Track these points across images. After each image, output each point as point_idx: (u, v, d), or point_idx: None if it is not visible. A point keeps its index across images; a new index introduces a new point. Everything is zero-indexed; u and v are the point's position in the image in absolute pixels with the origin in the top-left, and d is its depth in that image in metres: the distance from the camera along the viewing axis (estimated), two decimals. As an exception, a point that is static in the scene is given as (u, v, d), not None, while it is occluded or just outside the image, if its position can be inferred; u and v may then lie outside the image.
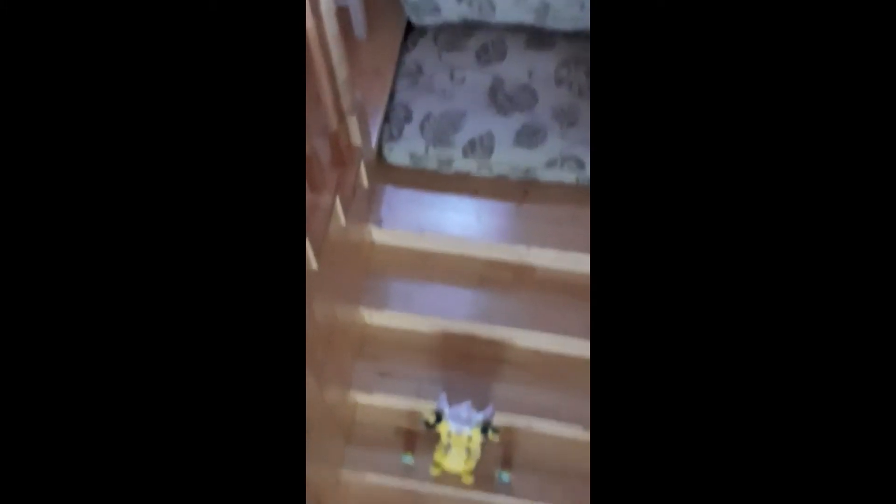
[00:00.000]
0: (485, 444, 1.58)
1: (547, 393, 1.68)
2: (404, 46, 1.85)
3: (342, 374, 1.66)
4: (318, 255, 1.32)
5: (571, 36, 1.80)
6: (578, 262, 1.63)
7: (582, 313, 1.56)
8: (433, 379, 1.71)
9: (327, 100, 1.35)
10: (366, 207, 1.71)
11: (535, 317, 1.67)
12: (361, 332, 1.77)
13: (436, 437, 1.61)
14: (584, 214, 1.63)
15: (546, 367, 1.71)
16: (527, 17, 1.79)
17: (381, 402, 1.76)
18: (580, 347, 1.65)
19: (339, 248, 1.48)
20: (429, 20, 1.83)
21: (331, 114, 1.39)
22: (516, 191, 1.72)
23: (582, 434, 1.66)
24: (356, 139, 1.54)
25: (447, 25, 1.84)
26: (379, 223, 1.71)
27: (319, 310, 1.42)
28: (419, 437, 1.72)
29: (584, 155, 1.64)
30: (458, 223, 1.71)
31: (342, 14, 1.57)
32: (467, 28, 1.84)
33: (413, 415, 1.73)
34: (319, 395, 1.45)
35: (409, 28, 1.89)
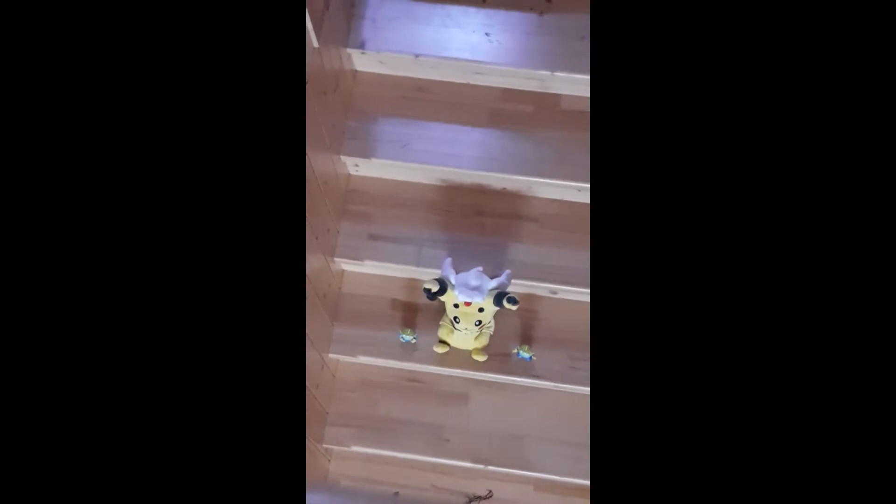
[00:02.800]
0: (499, 316, 1.36)
1: (574, 253, 1.41)
2: None
3: (323, 236, 1.35)
4: None
5: None
6: None
7: None
8: (435, 241, 1.43)
9: None
10: (343, 25, 1.36)
11: (560, 160, 1.39)
12: (345, 187, 1.47)
13: (440, 310, 1.39)
14: None
15: (573, 222, 1.44)
16: None
17: (372, 270, 1.49)
18: None
19: (310, 81, 1.13)
20: None
21: None
22: None
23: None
24: None
25: None
26: (361, 45, 1.38)
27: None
28: (420, 311, 1.48)
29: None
30: (464, 43, 1.38)
31: None
32: None
33: (412, 284, 1.48)
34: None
35: None
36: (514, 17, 1.39)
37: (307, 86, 1.10)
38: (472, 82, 1.43)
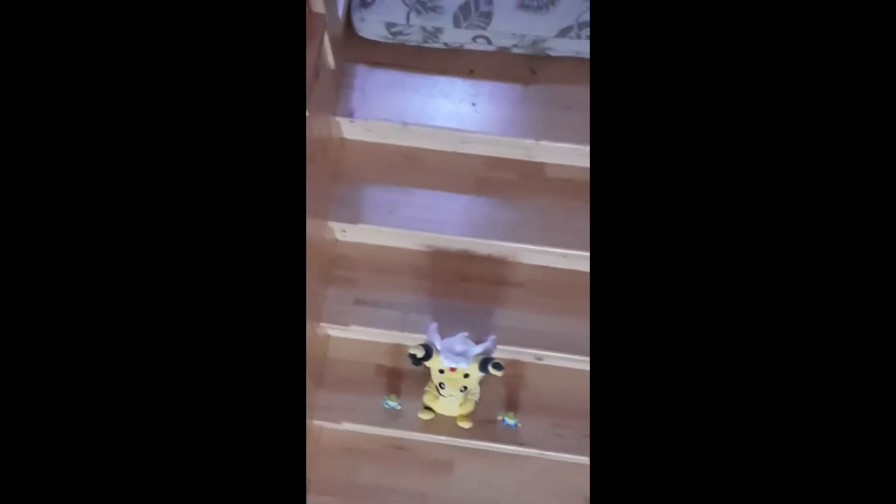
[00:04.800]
0: (484, 383, 1.37)
1: (559, 319, 1.44)
2: None
3: (310, 301, 1.37)
4: None
5: None
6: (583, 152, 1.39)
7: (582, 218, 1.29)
8: (420, 306, 1.46)
9: None
10: (332, 94, 1.42)
11: (545, 226, 1.43)
12: (331, 252, 1.50)
13: (425, 376, 1.39)
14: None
15: (558, 288, 1.47)
16: None
17: (358, 335, 1.50)
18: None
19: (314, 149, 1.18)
20: None
21: None
22: (522, 69, 1.48)
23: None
24: (318, 4, 1.27)
25: None
26: (350, 114, 1.43)
27: None
28: (405, 377, 1.49)
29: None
30: (451, 112, 1.45)
31: None
32: None
33: (397, 350, 1.49)
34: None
35: None
36: (500, 87, 1.45)
37: None
38: (458, 150, 1.47)
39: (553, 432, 1.43)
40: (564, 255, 1.44)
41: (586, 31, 1.36)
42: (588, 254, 1.43)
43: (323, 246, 1.46)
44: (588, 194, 1.33)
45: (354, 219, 1.45)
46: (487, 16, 1.38)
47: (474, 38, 1.42)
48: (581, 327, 1.42)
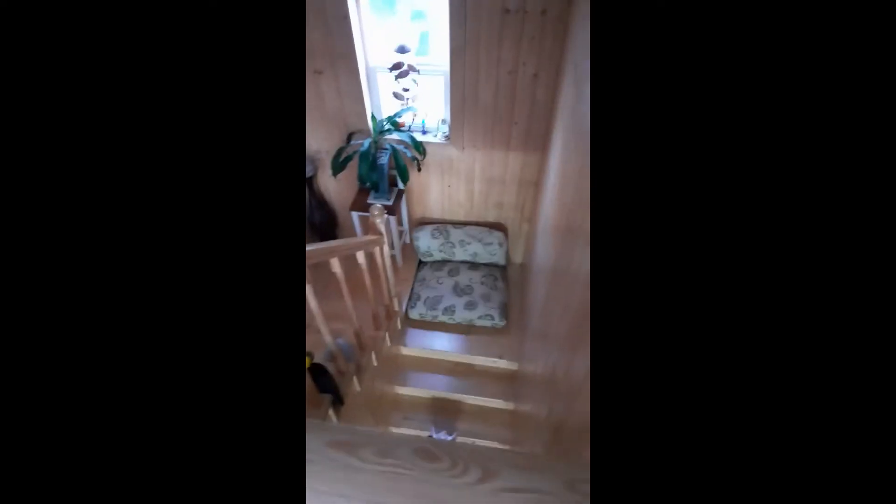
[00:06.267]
0: None
1: (482, 426, 3.49)
2: (418, 268, 4.10)
3: (383, 420, 3.51)
4: (378, 359, 3.27)
5: (488, 265, 4.06)
6: (497, 363, 3.56)
7: (500, 387, 3.46)
8: (427, 420, 3.54)
9: (384, 289, 3.49)
10: (399, 338, 3.75)
11: (476, 389, 3.57)
12: (395, 398, 3.66)
13: None
14: (498, 342, 3.63)
15: (482, 414, 3.55)
16: (468, 258, 4.07)
17: (402, 432, 3.53)
18: (500, 403, 3.48)
19: (387, 357, 3.45)
20: (427, 259, 4.12)
21: (386, 295, 3.51)
22: (465, 330, 3.77)
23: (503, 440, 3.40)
24: (397, 307, 3.66)
25: (435, 261, 4.14)
26: (405, 345, 3.72)
27: (378, 387, 3.32)
28: None
29: (495, 314, 3.71)
30: (440, 344, 3.71)
31: (393, 257, 3.86)
32: (443, 262, 4.12)
33: None
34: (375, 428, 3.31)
35: (420, 261, 4.15)
36: (457, 336, 3.73)
37: (384, 360, 3.44)
38: (443, 358, 3.69)
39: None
40: (484, 400, 3.58)
41: (488, 317, 3.77)
42: (495, 400, 3.45)
43: (392, 395, 3.63)
44: (493, 376, 3.58)
45: (404, 384, 3.60)
46: (452, 311, 3.77)
47: (448, 320, 3.77)
48: (493, 428, 3.44)
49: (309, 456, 0.58)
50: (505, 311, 3.79)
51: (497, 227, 4.10)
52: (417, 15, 3.51)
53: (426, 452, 0.57)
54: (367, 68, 3.40)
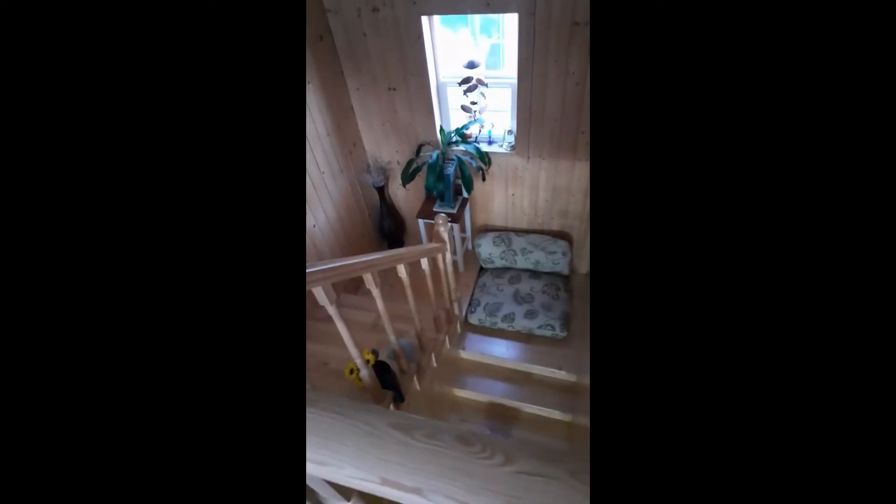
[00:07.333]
0: None
1: (538, 436, 3.51)
2: (479, 275, 4.17)
3: (441, 420, 3.60)
4: (437, 360, 3.37)
5: (550, 274, 4.06)
6: (556, 374, 3.57)
7: (559, 398, 3.47)
8: (483, 424, 3.59)
9: (445, 294, 3.59)
10: (459, 342, 3.83)
11: (533, 398, 3.58)
12: (453, 400, 3.75)
13: None
14: (558, 352, 3.64)
15: (539, 423, 3.56)
16: (530, 266, 4.09)
17: None
18: (558, 414, 3.47)
19: (446, 359, 3.56)
20: (488, 265, 4.18)
21: (447, 300, 3.61)
22: (524, 338, 3.80)
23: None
24: (457, 311, 3.75)
25: (496, 268, 4.19)
26: (464, 349, 3.80)
27: (437, 388, 3.42)
28: None
29: (556, 324, 3.72)
30: (499, 351, 3.76)
31: (455, 262, 3.95)
32: (505, 269, 4.17)
33: None
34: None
35: (481, 268, 4.22)
36: (516, 343, 3.77)
37: (443, 362, 3.54)
38: (500, 365, 3.74)
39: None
40: (541, 410, 3.60)
41: (548, 327, 3.78)
42: (553, 410, 3.46)
43: (450, 397, 3.72)
44: (551, 386, 3.60)
45: (462, 387, 3.69)
46: (512, 319, 3.82)
47: (508, 327, 3.82)
48: (549, 438, 3.46)
49: (374, 432, 0.68)
50: (566, 321, 3.80)
51: (561, 235, 4.11)
52: (487, 26, 3.60)
53: (463, 438, 0.68)
54: (437, 83, 3.53)
